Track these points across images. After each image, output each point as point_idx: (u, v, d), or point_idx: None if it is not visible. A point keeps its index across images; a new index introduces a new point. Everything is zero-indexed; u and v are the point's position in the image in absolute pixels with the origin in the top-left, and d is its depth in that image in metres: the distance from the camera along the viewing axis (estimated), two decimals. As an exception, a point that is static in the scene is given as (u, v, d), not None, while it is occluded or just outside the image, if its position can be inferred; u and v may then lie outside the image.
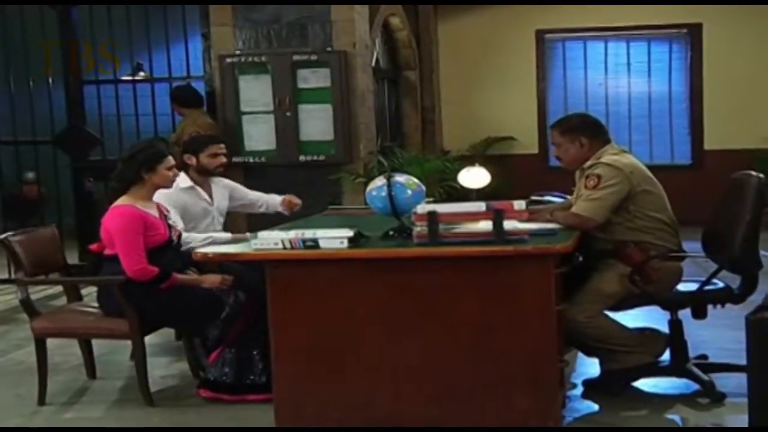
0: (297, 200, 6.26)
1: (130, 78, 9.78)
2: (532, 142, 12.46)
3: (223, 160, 5.93)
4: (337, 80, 8.53)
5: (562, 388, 4.62)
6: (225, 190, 6.10)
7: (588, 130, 5.07)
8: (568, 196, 5.39)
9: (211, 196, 5.94)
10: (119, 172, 5.18)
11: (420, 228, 4.33)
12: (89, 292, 6.27)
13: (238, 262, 5.05)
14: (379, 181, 4.72)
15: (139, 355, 5.12)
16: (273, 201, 6.27)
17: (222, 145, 5.97)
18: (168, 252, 5.15)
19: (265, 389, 4.94)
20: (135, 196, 5.13)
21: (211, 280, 5.15)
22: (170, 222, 5.29)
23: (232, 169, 8.01)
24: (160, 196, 5.52)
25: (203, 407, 5.03)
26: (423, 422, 4.44)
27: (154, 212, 5.18)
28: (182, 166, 5.84)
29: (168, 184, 5.29)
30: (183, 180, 5.80)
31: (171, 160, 5.24)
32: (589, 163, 4.98)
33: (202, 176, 5.88)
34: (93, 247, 5.23)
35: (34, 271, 5.32)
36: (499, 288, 4.33)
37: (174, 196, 5.71)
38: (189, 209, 5.79)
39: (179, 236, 5.35)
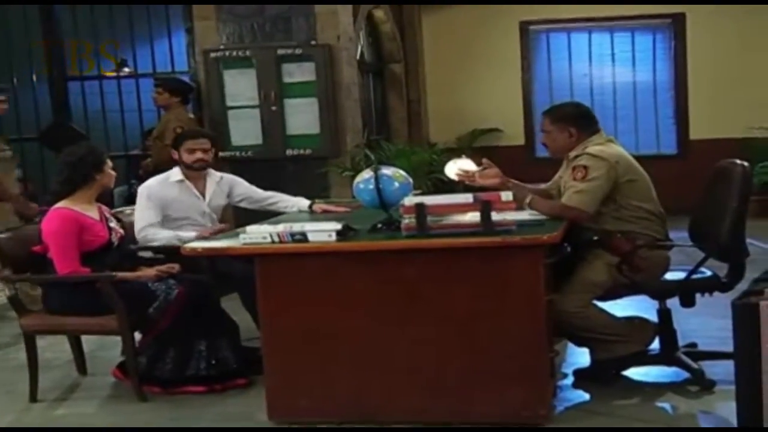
0: (332, 208, 5.99)
1: (114, 74, 9.76)
2: (518, 134, 12.46)
3: (199, 156, 5.83)
4: (323, 74, 8.53)
5: (552, 378, 4.64)
6: (224, 186, 6.06)
7: (579, 121, 5.07)
8: (542, 185, 5.41)
9: (203, 192, 5.93)
10: (67, 175, 5.21)
11: (408, 220, 4.34)
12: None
13: (227, 256, 5.06)
14: (367, 174, 4.74)
15: (129, 351, 5.13)
16: (298, 203, 6.10)
17: (201, 140, 5.90)
18: (110, 253, 5.20)
19: (206, 381, 5.15)
20: (78, 198, 5.18)
21: (147, 274, 5.17)
22: (111, 225, 5.33)
23: (218, 164, 8.03)
24: (146, 186, 5.78)
25: (195, 402, 5.02)
26: (414, 414, 4.45)
27: (94, 214, 5.24)
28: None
29: (111, 182, 5.39)
30: (175, 173, 5.85)
31: (109, 161, 5.33)
32: (574, 152, 4.99)
33: (189, 171, 5.87)
34: (36, 248, 5.21)
35: (22, 269, 5.30)
36: (488, 279, 4.34)
37: (157, 189, 5.76)
38: (176, 202, 5.81)
39: (121, 238, 5.37)
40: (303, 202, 6.10)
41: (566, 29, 12.48)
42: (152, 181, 5.92)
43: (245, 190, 6.16)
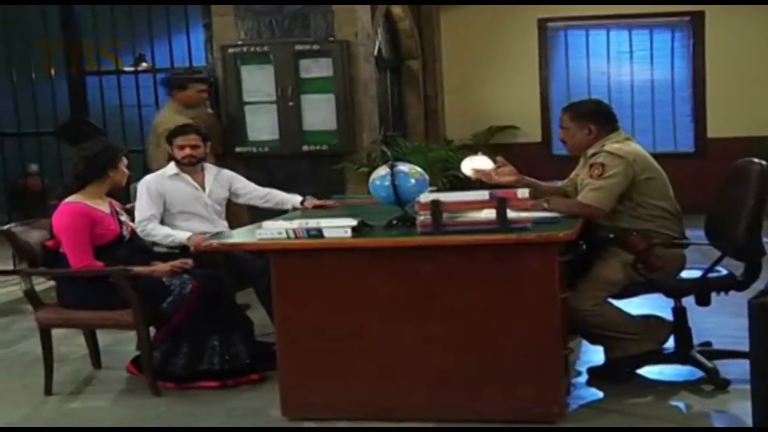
0: (323, 203, 6.07)
1: (132, 69, 9.79)
2: (535, 131, 12.45)
3: (188, 152, 5.85)
4: (340, 70, 8.51)
5: (566, 376, 4.64)
6: (223, 179, 6.09)
7: (598, 118, 5.06)
8: (558, 182, 5.41)
9: (202, 184, 5.95)
10: (81, 170, 5.24)
11: (423, 217, 4.33)
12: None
13: (243, 251, 5.07)
14: (383, 171, 4.73)
15: (144, 345, 5.14)
16: (291, 199, 6.15)
17: (190, 137, 5.90)
18: (121, 247, 5.23)
19: (219, 376, 5.15)
20: (89, 193, 5.22)
21: (162, 269, 5.18)
22: (122, 218, 5.36)
23: (234, 159, 8.05)
24: (144, 181, 5.81)
25: (208, 397, 5.04)
26: (428, 411, 4.45)
27: (105, 209, 5.27)
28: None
29: (124, 180, 5.40)
30: (170, 168, 5.89)
31: (125, 158, 5.37)
32: (591, 150, 4.98)
33: (183, 166, 5.90)
34: (49, 243, 5.23)
35: (38, 263, 5.32)
36: (503, 276, 4.33)
37: (155, 183, 5.78)
38: (175, 196, 5.84)
39: (132, 232, 5.41)
40: (296, 199, 6.15)
41: (584, 27, 12.45)
42: (149, 177, 5.98)
43: (244, 185, 6.19)
